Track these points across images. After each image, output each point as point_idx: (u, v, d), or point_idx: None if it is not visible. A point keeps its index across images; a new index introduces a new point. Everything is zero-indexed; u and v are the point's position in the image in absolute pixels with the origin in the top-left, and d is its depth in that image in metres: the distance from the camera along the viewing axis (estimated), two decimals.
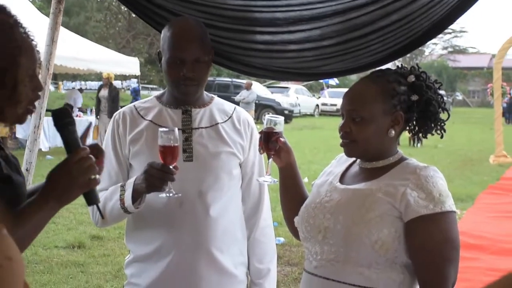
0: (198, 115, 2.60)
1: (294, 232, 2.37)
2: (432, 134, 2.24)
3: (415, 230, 2.00)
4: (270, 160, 2.39)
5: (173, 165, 2.27)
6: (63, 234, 7.66)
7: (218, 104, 2.68)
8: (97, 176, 1.83)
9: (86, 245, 7.17)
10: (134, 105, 2.68)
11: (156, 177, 2.28)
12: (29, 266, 6.25)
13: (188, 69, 2.47)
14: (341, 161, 2.36)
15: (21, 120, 1.85)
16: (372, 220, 2.02)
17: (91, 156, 1.81)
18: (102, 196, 2.43)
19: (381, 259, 2.02)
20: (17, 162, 1.95)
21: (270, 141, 2.32)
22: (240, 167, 2.65)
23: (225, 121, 2.63)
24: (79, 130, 16.02)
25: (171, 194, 2.30)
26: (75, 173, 1.77)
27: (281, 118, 2.38)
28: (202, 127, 2.58)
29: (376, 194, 2.06)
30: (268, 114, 2.53)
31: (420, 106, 2.14)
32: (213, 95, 2.73)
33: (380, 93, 2.12)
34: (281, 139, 2.32)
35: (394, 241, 2.01)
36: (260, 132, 2.35)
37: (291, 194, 2.44)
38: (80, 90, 20.86)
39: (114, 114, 2.66)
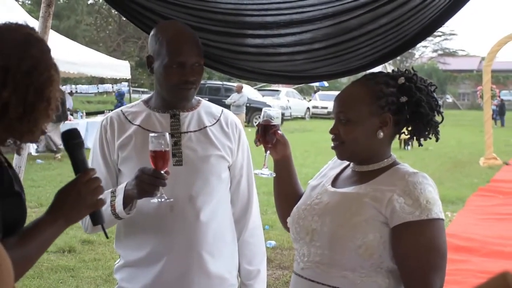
0: (187, 119, 2.60)
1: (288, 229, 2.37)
2: (430, 138, 2.21)
3: (400, 237, 1.99)
4: (268, 153, 2.39)
5: (164, 170, 2.26)
6: None
7: (206, 107, 2.68)
8: (104, 197, 1.90)
9: (77, 250, 7.14)
10: (121, 110, 2.67)
11: (148, 183, 2.27)
12: None
13: (189, 73, 2.48)
14: (336, 163, 2.36)
15: (40, 137, 1.90)
16: (357, 224, 2.03)
17: (98, 177, 1.89)
18: None
19: (366, 263, 2.02)
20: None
21: (267, 134, 2.33)
22: (229, 170, 2.65)
23: (213, 124, 2.63)
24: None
25: (162, 199, 2.29)
26: (83, 193, 1.83)
27: (278, 111, 2.39)
28: (190, 131, 2.58)
29: (363, 198, 2.06)
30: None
31: (410, 107, 2.13)
32: (200, 98, 2.73)
33: (367, 94, 2.13)
34: (278, 132, 2.33)
35: (379, 246, 2.01)
36: (257, 125, 2.35)
37: (286, 187, 2.45)
38: (70, 93, 20.79)
39: (102, 120, 2.65)
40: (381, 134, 2.12)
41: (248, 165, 2.74)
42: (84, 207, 1.85)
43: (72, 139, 1.94)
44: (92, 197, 1.85)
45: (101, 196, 1.88)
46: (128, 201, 2.37)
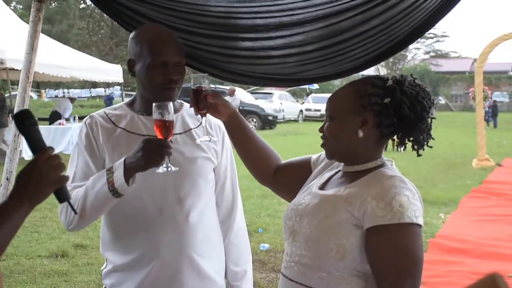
0: None
1: (264, 181, 2.51)
2: (423, 145, 2.19)
3: (371, 240, 1.99)
4: (204, 119, 2.41)
5: (169, 139, 2.27)
6: (46, 243, 7.60)
7: (188, 110, 2.67)
8: (67, 174, 1.84)
9: (70, 254, 7.11)
10: (105, 112, 2.64)
11: (155, 152, 2.25)
12: (11, 276, 6.20)
13: (173, 72, 2.47)
14: (334, 165, 2.36)
15: None
16: (330, 227, 2.03)
17: (58, 154, 1.84)
18: (80, 190, 2.39)
19: (339, 265, 2.02)
20: None
21: (199, 101, 2.33)
22: (214, 171, 2.65)
23: (197, 126, 2.64)
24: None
25: (169, 169, 2.29)
26: (45, 171, 1.79)
27: (205, 74, 2.39)
28: (176, 133, 2.56)
29: (338, 201, 2.07)
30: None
31: (393, 109, 2.11)
32: (182, 101, 2.72)
33: (352, 93, 2.14)
34: (209, 96, 2.34)
35: (352, 249, 2.01)
36: (188, 94, 2.33)
37: (246, 143, 2.50)
38: (71, 99, 20.64)
39: (85, 119, 2.62)
40: (361, 133, 2.11)
41: (232, 166, 2.76)
42: (48, 185, 1.80)
43: (26, 120, 1.89)
44: (54, 174, 1.80)
45: (63, 173, 1.83)
46: (129, 175, 2.32)
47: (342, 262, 2.02)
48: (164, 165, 2.28)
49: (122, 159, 2.34)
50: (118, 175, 2.32)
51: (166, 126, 2.26)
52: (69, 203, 1.93)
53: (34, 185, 1.78)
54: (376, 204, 1.98)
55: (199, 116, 2.65)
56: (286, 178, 2.47)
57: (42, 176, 1.79)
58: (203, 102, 2.34)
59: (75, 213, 2.05)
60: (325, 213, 2.06)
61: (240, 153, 2.52)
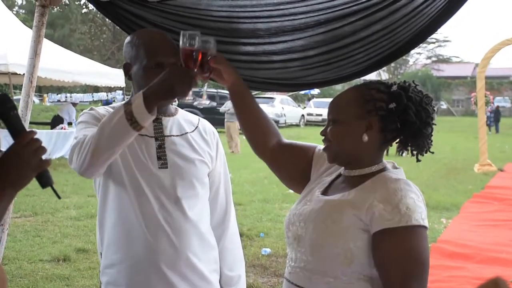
0: (169, 123, 2.60)
1: (260, 152, 2.47)
2: (423, 151, 2.20)
3: (379, 243, 1.99)
4: (206, 85, 2.41)
5: (195, 70, 2.25)
6: (48, 247, 7.59)
7: (184, 115, 2.70)
8: (48, 157, 1.80)
9: (72, 258, 7.10)
10: (105, 108, 2.64)
11: (184, 81, 2.23)
12: (13, 280, 6.19)
13: None
14: (332, 169, 2.36)
15: None
16: (337, 232, 2.03)
17: (39, 138, 1.79)
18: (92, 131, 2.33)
19: (347, 270, 2.02)
20: None
21: (204, 63, 2.29)
22: (208, 176, 2.67)
23: (193, 131, 2.65)
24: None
25: (194, 98, 2.28)
26: (26, 156, 1.74)
27: (212, 37, 2.34)
28: (173, 135, 2.58)
29: (344, 205, 2.07)
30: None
31: (398, 115, 2.12)
32: (176, 107, 2.72)
33: (356, 97, 2.15)
34: (212, 60, 2.32)
35: (360, 253, 2.01)
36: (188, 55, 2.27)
37: (248, 108, 2.49)
38: (73, 104, 20.67)
39: (86, 110, 2.61)
40: (366, 137, 2.12)
41: (225, 172, 2.78)
42: (29, 170, 1.74)
43: (4, 104, 1.82)
44: (35, 158, 1.74)
45: (44, 157, 1.77)
46: (150, 106, 2.26)
47: (350, 267, 2.02)
48: (191, 97, 2.25)
49: (141, 91, 2.30)
50: (137, 104, 2.25)
51: (193, 56, 2.24)
52: (52, 188, 1.86)
53: (15, 171, 1.73)
54: (383, 208, 1.99)
55: (194, 122, 2.67)
56: (284, 156, 2.46)
57: (23, 161, 1.73)
58: (207, 66, 2.31)
59: (59, 197, 1.99)
60: (332, 218, 2.06)
61: (241, 121, 2.51)
